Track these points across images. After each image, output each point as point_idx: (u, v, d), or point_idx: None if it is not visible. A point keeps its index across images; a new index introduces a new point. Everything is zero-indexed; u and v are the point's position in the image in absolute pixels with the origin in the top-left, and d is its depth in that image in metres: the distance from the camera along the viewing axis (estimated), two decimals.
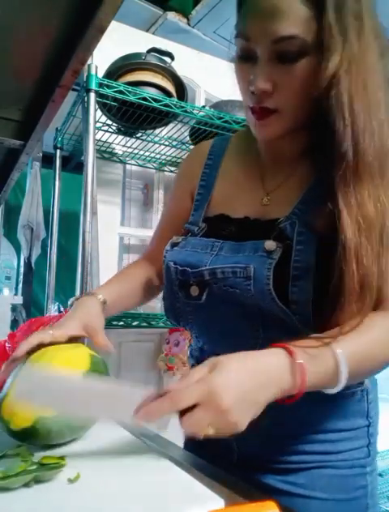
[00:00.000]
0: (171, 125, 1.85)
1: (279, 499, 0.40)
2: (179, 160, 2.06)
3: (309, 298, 0.56)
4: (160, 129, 1.87)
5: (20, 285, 2.12)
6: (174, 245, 0.69)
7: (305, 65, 0.54)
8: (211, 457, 0.57)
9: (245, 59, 0.59)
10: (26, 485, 0.41)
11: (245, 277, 0.59)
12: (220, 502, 0.40)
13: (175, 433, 0.78)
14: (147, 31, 2.35)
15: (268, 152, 0.70)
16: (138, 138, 1.90)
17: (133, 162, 2.07)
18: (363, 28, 0.53)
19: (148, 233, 2.06)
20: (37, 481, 0.42)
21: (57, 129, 1.94)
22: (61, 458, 0.45)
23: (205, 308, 0.65)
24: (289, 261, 0.58)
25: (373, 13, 0.56)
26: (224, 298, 0.63)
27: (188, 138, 1.90)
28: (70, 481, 0.42)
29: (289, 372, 0.48)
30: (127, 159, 2.04)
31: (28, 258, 1.94)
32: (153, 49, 1.67)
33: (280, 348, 0.49)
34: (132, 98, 1.52)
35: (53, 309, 1.81)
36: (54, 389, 0.47)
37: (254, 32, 0.55)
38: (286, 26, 0.53)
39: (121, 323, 1.52)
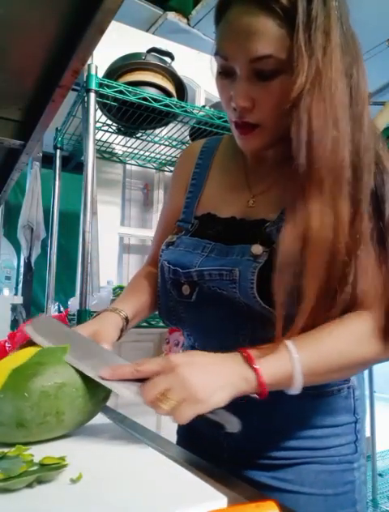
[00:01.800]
0: (171, 125, 1.85)
1: (269, 495, 0.41)
2: None
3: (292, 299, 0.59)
4: (160, 129, 1.87)
5: (20, 285, 2.12)
6: (169, 244, 0.72)
7: (281, 81, 0.56)
8: (202, 454, 0.58)
9: (225, 75, 0.60)
10: (28, 486, 0.40)
11: (230, 280, 0.62)
12: (223, 500, 0.40)
13: (174, 434, 0.78)
14: (147, 31, 2.35)
15: (252, 158, 0.73)
16: (138, 138, 1.90)
17: (133, 162, 2.07)
18: (330, 45, 0.54)
19: (148, 233, 2.06)
20: (39, 482, 0.42)
21: (57, 129, 1.94)
22: (62, 458, 0.45)
23: (195, 306, 0.68)
24: (274, 264, 0.60)
25: (345, 23, 0.56)
26: (212, 298, 0.65)
27: (188, 138, 1.90)
28: (73, 481, 0.42)
29: (245, 368, 0.52)
30: (127, 159, 2.04)
31: (28, 258, 1.94)
32: (153, 49, 1.68)
33: (238, 352, 0.54)
34: (132, 98, 1.52)
35: (53, 309, 1.81)
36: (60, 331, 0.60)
37: (232, 52, 0.57)
38: (261, 46, 0.54)
39: None
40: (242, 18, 0.55)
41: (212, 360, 0.53)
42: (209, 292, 0.65)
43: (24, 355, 0.56)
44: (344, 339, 0.56)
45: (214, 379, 0.51)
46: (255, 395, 0.53)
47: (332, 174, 0.55)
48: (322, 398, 0.66)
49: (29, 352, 0.56)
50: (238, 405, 0.66)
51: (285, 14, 0.53)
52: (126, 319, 0.69)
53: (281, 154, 0.67)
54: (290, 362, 0.53)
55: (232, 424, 0.52)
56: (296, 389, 0.54)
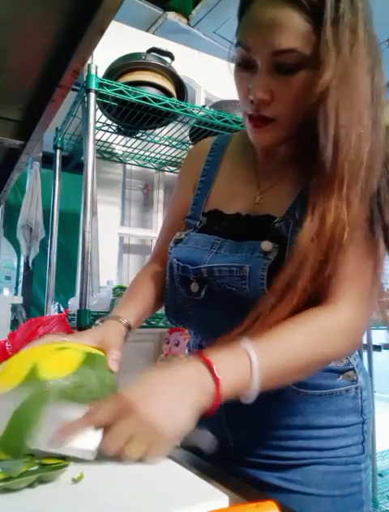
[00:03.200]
0: (171, 125, 1.85)
1: (277, 496, 0.41)
2: (179, 160, 2.06)
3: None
4: (160, 129, 1.87)
5: (20, 285, 2.12)
6: (178, 241, 0.72)
7: (302, 76, 0.56)
8: (209, 456, 0.58)
9: (244, 67, 0.60)
10: (30, 486, 0.40)
11: (240, 276, 0.62)
12: (224, 500, 0.40)
13: None
14: (147, 31, 2.35)
15: (263, 154, 0.72)
16: (138, 138, 1.90)
17: (133, 162, 2.07)
18: (356, 42, 0.54)
19: (148, 233, 2.06)
20: (41, 481, 0.42)
21: (57, 129, 1.94)
22: (62, 458, 0.45)
23: (203, 303, 0.67)
24: (284, 260, 0.59)
25: (368, 24, 0.56)
26: (221, 295, 0.65)
27: (188, 138, 1.90)
28: (74, 481, 0.42)
29: (207, 380, 0.49)
30: (127, 159, 2.04)
31: (27, 258, 1.94)
32: (153, 49, 1.67)
33: (201, 362, 0.50)
34: (132, 98, 1.52)
35: (53, 309, 1.81)
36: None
37: (255, 43, 0.57)
38: (286, 39, 0.54)
39: None
40: (267, 10, 0.55)
41: (171, 383, 0.49)
42: (218, 289, 0.65)
43: (40, 350, 0.56)
44: (309, 338, 0.56)
45: (177, 408, 0.47)
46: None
47: (353, 170, 0.55)
48: (329, 398, 0.65)
49: (46, 347, 0.57)
50: (242, 405, 0.66)
51: (312, 9, 0.53)
52: (129, 326, 0.69)
53: (292, 151, 0.67)
54: (250, 372, 0.51)
55: (208, 444, 0.50)
56: (249, 398, 0.52)
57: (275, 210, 0.65)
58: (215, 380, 0.49)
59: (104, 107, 1.64)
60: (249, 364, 0.51)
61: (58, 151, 1.97)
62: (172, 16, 2.35)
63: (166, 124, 1.82)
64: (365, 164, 0.56)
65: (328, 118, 0.54)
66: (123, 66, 1.59)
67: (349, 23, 0.53)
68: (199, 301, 0.68)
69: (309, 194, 0.58)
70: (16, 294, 2.07)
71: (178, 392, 0.48)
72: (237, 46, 0.59)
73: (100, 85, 1.49)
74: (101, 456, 0.50)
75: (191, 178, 0.79)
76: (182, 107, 1.64)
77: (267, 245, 0.61)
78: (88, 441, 0.46)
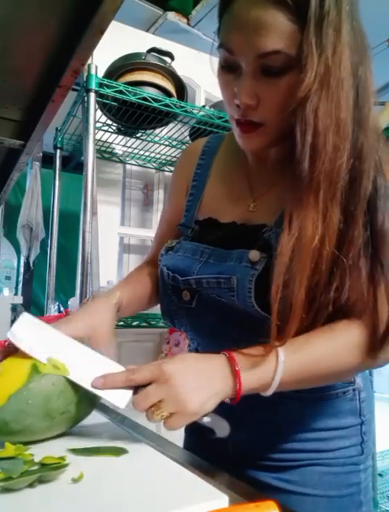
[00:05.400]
0: (171, 125, 1.85)
1: (274, 496, 0.41)
2: None
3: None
4: (160, 129, 1.87)
5: (20, 285, 2.12)
6: (169, 249, 0.71)
7: (289, 79, 0.53)
8: (209, 453, 0.58)
9: (228, 70, 0.57)
10: (30, 486, 0.41)
11: (228, 288, 0.61)
12: (224, 499, 0.40)
13: (176, 434, 0.78)
14: (147, 31, 2.34)
15: (254, 158, 0.71)
16: (138, 138, 1.90)
17: (133, 162, 2.07)
18: (340, 44, 0.51)
19: (148, 233, 2.06)
20: (41, 481, 0.42)
21: (57, 129, 1.94)
22: (62, 458, 0.45)
23: (196, 312, 0.67)
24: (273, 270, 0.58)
25: (355, 19, 0.54)
26: (212, 304, 0.64)
27: (188, 138, 1.90)
28: (74, 481, 0.42)
29: (229, 373, 0.53)
30: (127, 159, 2.04)
31: (27, 258, 1.94)
32: (153, 49, 1.67)
33: (224, 355, 0.55)
34: (132, 98, 1.52)
35: (53, 309, 1.81)
36: (44, 335, 0.56)
37: (238, 46, 0.54)
38: (271, 41, 0.51)
39: (121, 323, 1.52)
40: (251, 10, 0.51)
41: (204, 367, 0.54)
42: (208, 299, 0.64)
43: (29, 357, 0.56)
44: (332, 348, 0.56)
45: (206, 389, 0.52)
46: (228, 400, 0.54)
47: (329, 181, 0.53)
48: (326, 400, 0.65)
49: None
50: (241, 407, 0.66)
51: (297, 8, 0.50)
52: (119, 304, 0.67)
53: (282, 154, 0.65)
54: (273, 373, 0.53)
55: (223, 429, 0.54)
56: (267, 394, 0.55)
57: (269, 219, 0.63)
58: (237, 378, 0.53)
59: (104, 107, 1.64)
60: (275, 360, 0.53)
61: (58, 151, 1.97)
62: (172, 16, 2.35)
63: (166, 124, 1.82)
64: (352, 170, 0.54)
65: (307, 124, 0.52)
66: (123, 66, 1.59)
67: (334, 21, 0.50)
68: (192, 309, 0.67)
69: (285, 205, 0.56)
70: (16, 294, 2.07)
71: (211, 377, 0.53)
72: (219, 48, 0.56)
73: (100, 85, 1.49)
74: (102, 459, 0.50)
75: (183, 181, 0.77)
76: (182, 107, 1.64)
77: (254, 255, 0.59)
78: (120, 395, 0.53)
